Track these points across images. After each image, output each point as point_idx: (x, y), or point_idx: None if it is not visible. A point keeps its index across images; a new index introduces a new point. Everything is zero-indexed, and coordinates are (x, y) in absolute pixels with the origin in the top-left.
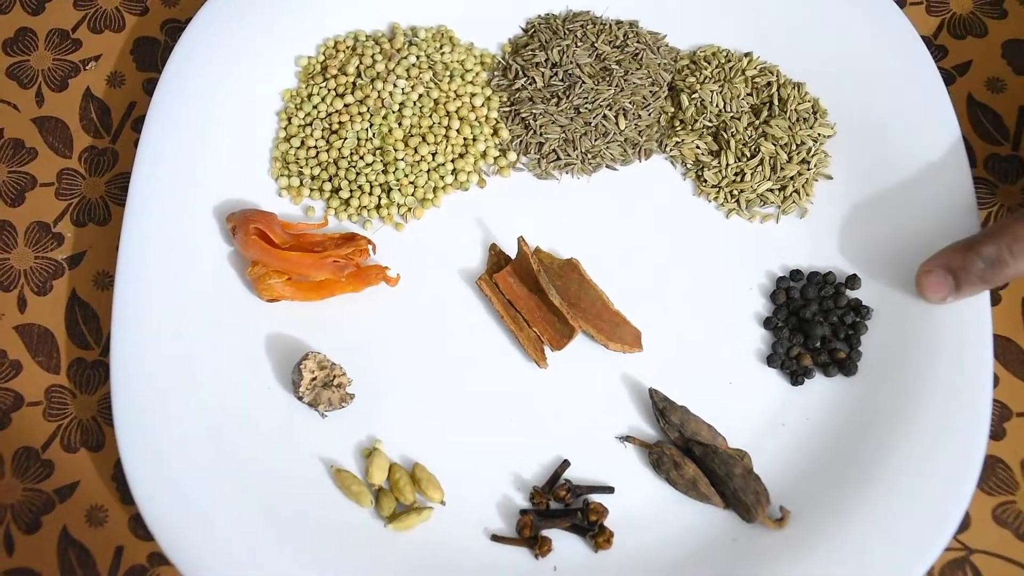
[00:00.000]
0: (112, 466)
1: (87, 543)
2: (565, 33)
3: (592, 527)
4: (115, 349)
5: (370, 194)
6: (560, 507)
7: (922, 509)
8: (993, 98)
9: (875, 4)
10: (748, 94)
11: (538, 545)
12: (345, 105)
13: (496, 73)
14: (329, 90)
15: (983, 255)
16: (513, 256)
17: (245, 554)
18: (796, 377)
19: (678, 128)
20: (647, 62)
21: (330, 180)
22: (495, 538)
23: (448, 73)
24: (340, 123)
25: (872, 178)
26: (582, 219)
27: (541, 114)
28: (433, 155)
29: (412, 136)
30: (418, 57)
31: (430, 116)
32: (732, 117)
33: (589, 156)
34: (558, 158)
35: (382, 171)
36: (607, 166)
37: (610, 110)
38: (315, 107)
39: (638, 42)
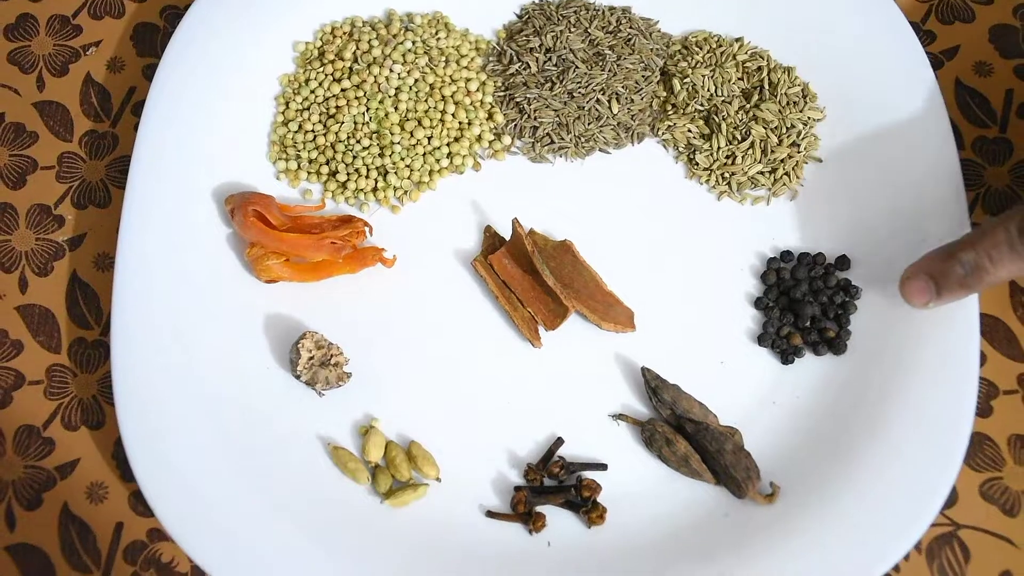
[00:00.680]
0: (112, 444)
1: (87, 519)
2: (559, 19)
3: (585, 503)
4: (115, 329)
5: (367, 177)
6: (554, 484)
7: (909, 484)
8: (980, 81)
9: None
10: (739, 78)
11: (532, 521)
12: (342, 90)
13: (491, 58)
14: (326, 75)
15: (963, 261)
16: (508, 238)
17: (243, 530)
18: (786, 356)
19: (670, 112)
20: (639, 47)
21: (327, 163)
22: (490, 514)
23: (444, 58)
24: (337, 107)
25: (861, 161)
26: (576, 201)
27: (535, 98)
28: (429, 139)
29: (408, 120)
30: (414, 43)
31: (426, 100)
32: (723, 101)
33: (582, 140)
34: (552, 142)
35: (379, 154)
36: (600, 149)
37: (603, 94)
38: (312, 92)
39: (631, 28)
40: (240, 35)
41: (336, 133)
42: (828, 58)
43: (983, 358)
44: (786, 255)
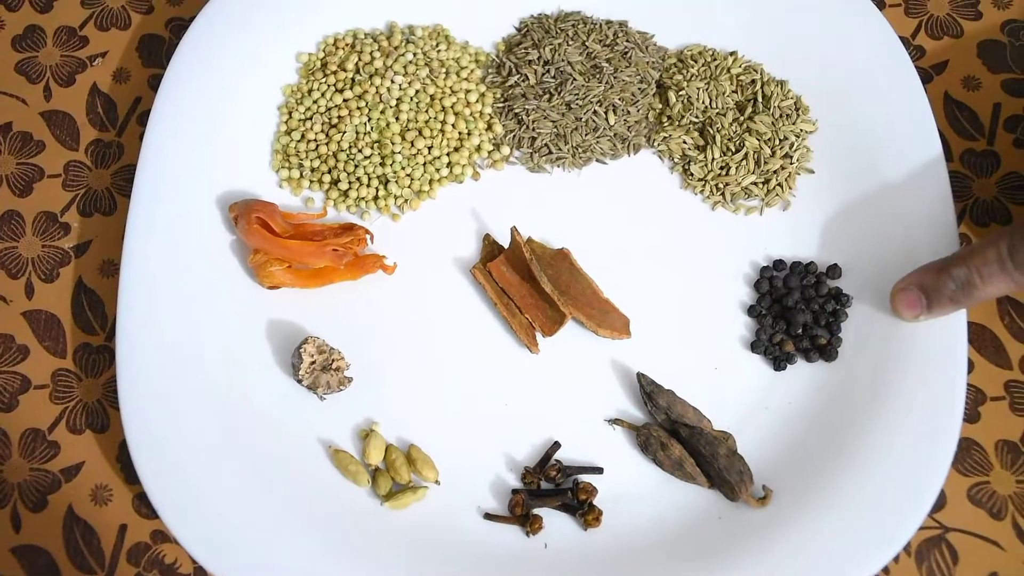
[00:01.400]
0: (116, 447)
1: (92, 521)
2: (557, 32)
3: (582, 506)
4: (120, 334)
5: (368, 186)
6: (551, 487)
7: (899, 488)
8: (969, 95)
9: (856, 6)
10: (733, 91)
11: (529, 523)
12: (344, 100)
13: (490, 70)
14: (329, 86)
15: (954, 277)
16: (506, 246)
17: (245, 531)
18: (779, 362)
19: (665, 124)
20: (636, 60)
21: (329, 172)
22: (488, 516)
23: (444, 70)
24: (339, 117)
25: (852, 172)
26: (573, 211)
27: (534, 110)
28: (429, 149)
29: (409, 130)
30: (415, 54)
31: (426, 111)
32: (718, 113)
33: (580, 150)
34: (550, 152)
35: (380, 164)
36: (597, 160)
37: (600, 106)
38: (315, 102)
39: (627, 41)
40: (244, 46)
41: (338, 143)
42: (820, 72)
43: (971, 365)
44: (778, 264)
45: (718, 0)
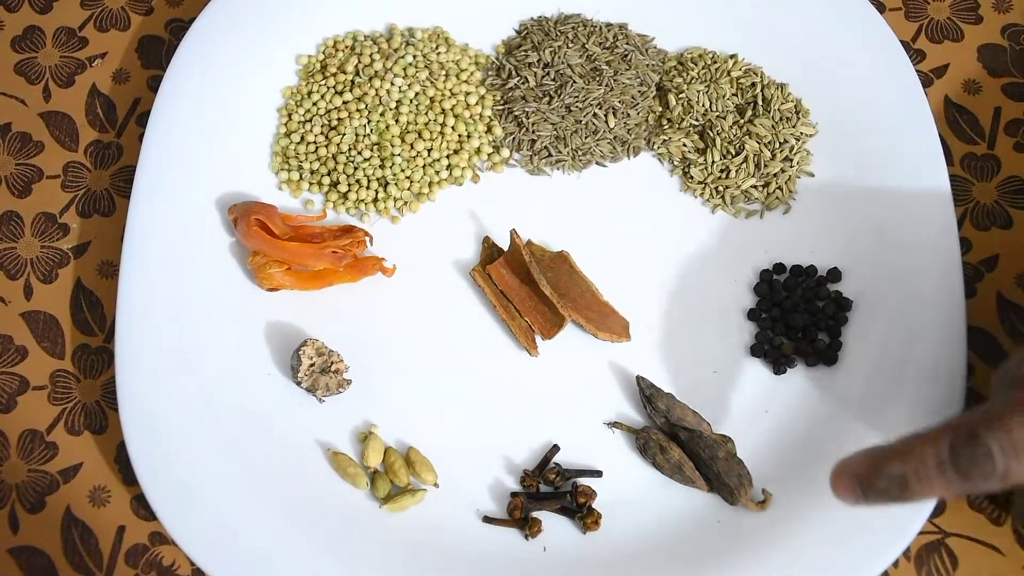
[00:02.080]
0: (115, 448)
1: (90, 522)
2: (557, 35)
3: (580, 509)
4: (119, 335)
5: (367, 188)
6: (550, 490)
7: None
8: (969, 99)
9: (856, 10)
10: (733, 94)
11: (528, 526)
12: (344, 102)
13: (490, 73)
14: (328, 88)
15: (889, 476)
16: (506, 248)
17: (244, 533)
18: (779, 366)
19: (665, 126)
20: (636, 63)
21: (329, 174)
22: (487, 519)
23: (444, 72)
24: (339, 120)
25: (852, 176)
26: (573, 213)
27: (533, 112)
28: (429, 151)
29: (408, 132)
30: (415, 57)
31: (426, 113)
32: (718, 116)
33: (579, 153)
34: (549, 155)
35: (379, 166)
36: (597, 163)
37: (600, 109)
38: (315, 104)
39: (627, 44)
40: (244, 48)
41: (338, 145)
42: (820, 75)
43: (971, 369)
44: (779, 267)
45: (718, 3)
